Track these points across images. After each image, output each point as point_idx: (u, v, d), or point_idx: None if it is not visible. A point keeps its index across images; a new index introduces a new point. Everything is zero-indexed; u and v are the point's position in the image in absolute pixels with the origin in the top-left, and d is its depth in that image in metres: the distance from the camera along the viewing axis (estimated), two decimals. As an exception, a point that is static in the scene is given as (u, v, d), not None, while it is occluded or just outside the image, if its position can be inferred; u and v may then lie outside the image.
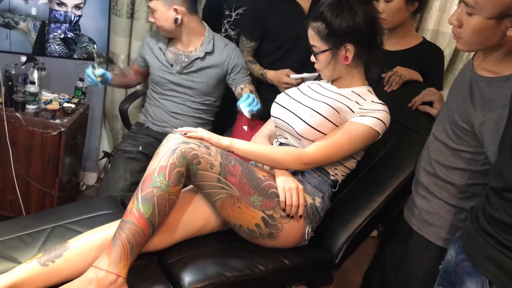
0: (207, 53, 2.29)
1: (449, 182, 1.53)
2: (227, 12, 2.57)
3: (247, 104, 2.03)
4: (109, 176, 2.25)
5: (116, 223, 1.45)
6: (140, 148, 2.31)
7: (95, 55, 2.56)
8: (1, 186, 2.54)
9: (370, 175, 1.82)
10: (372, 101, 1.65)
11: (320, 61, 1.66)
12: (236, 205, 1.52)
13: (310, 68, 2.28)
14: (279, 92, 2.27)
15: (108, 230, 1.43)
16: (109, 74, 2.37)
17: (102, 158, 3.19)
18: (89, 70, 2.29)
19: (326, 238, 1.74)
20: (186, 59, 2.31)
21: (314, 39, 1.64)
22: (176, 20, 2.21)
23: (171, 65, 2.32)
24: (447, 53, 2.93)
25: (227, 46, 2.32)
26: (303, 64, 2.32)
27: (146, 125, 2.45)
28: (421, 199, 1.62)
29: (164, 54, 2.34)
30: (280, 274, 1.59)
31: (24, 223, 1.57)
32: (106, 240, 1.39)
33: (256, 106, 2.07)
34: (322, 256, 1.70)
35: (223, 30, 2.62)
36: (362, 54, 1.63)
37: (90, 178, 3.25)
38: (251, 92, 2.30)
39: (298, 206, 1.56)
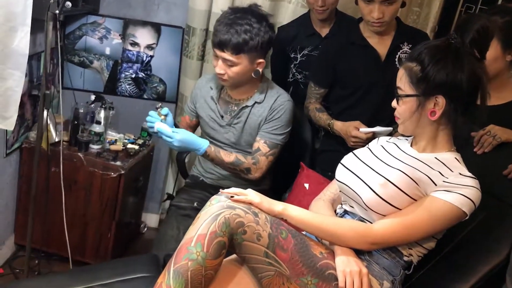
0: (256, 103, 2.03)
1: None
2: (292, 55, 2.40)
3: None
4: (161, 233, 2.05)
5: (146, 295, 1.29)
6: (195, 204, 2.10)
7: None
8: (59, 226, 2.49)
9: (451, 257, 1.51)
10: (460, 174, 1.36)
11: (402, 107, 1.42)
12: (285, 286, 1.29)
13: (383, 120, 2.04)
14: (346, 144, 2.06)
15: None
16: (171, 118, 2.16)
17: (166, 200, 3.09)
18: (152, 112, 2.03)
19: (394, 330, 1.45)
20: (235, 108, 2.07)
21: (402, 81, 1.41)
22: (256, 72, 1.97)
23: (222, 117, 2.08)
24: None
25: (279, 96, 2.04)
26: (375, 115, 2.09)
27: (200, 179, 2.22)
28: (518, 295, 1.30)
29: (216, 103, 2.09)
30: None
31: (56, 281, 1.46)
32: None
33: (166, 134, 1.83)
34: None
35: (290, 75, 2.46)
36: (454, 115, 1.37)
37: (152, 220, 3.16)
38: (258, 149, 1.99)
39: None
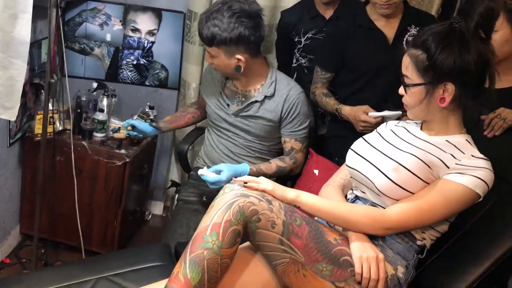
0: (266, 97, 2.01)
1: None
2: (296, 39, 2.36)
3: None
4: (170, 230, 2.00)
5: (160, 284, 1.28)
6: (204, 198, 2.08)
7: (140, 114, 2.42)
8: (66, 215, 2.49)
9: (465, 240, 1.51)
10: (472, 156, 1.35)
11: (410, 95, 1.39)
12: (300, 273, 1.29)
13: (392, 104, 2.02)
14: (353, 129, 2.05)
15: (151, 292, 1.26)
16: (145, 126, 2.26)
17: (170, 187, 3.08)
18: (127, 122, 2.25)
19: (408, 314, 1.45)
20: (243, 99, 2.05)
21: (408, 69, 1.37)
22: (238, 68, 1.94)
23: (228, 105, 2.07)
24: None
25: (291, 91, 2.02)
26: (383, 99, 2.06)
27: None
28: (533, 279, 1.30)
29: (221, 91, 2.09)
30: None
31: (68, 272, 1.45)
32: (147, 305, 1.22)
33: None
34: (403, 337, 1.42)
35: (294, 60, 2.43)
36: (464, 99, 1.35)
37: (157, 207, 3.15)
38: (292, 149, 2.02)
39: (378, 280, 1.29)
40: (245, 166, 1.93)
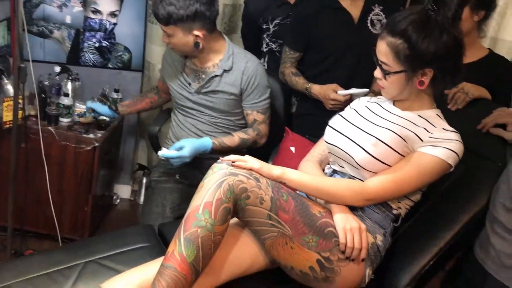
0: (225, 71, 2.02)
1: (535, 223, 1.33)
2: (264, 26, 2.41)
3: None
4: (146, 212, 2.00)
5: (153, 263, 1.31)
6: (177, 176, 2.10)
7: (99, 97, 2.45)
8: (34, 203, 2.44)
9: (436, 208, 1.61)
10: (444, 129, 1.44)
11: (390, 81, 1.45)
12: (288, 245, 1.34)
13: (359, 82, 2.10)
14: (322, 107, 2.11)
15: (145, 271, 1.29)
16: (105, 109, 2.32)
17: (137, 170, 3.07)
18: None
19: (386, 279, 1.54)
20: (203, 76, 2.05)
21: (387, 57, 1.42)
22: (196, 44, 1.95)
23: (189, 84, 2.07)
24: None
25: (248, 63, 2.03)
26: (350, 77, 2.14)
27: None
28: (499, 239, 1.42)
29: (181, 71, 2.09)
30: (335, 321, 1.41)
31: (54, 258, 1.44)
32: (143, 284, 1.24)
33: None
34: (381, 299, 1.51)
35: (264, 45, 2.46)
36: (441, 80, 1.43)
37: (125, 190, 3.13)
38: (255, 121, 2.07)
39: (361, 249, 1.37)
40: (207, 140, 1.97)
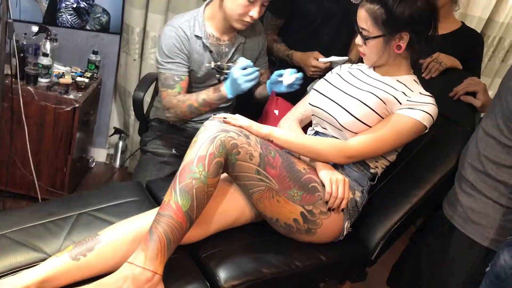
0: (246, 37, 2.01)
1: (500, 181, 1.45)
2: None
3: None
4: (140, 176, 2.02)
5: (148, 214, 1.37)
6: (173, 150, 2.11)
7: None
8: (12, 163, 2.43)
9: (409, 168, 1.73)
10: (420, 93, 1.55)
11: (370, 47, 1.54)
12: (274, 199, 1.43)
13: (337, 49, 2.17)
14: (304, 74, 2.18)
15: (140, 221, 1.35)
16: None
17: (113, 134, 3.08)
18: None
19: (362, 233, 1.66)
20: (227, 50, 1.99)
21: (366, 23, 1.51)
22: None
23: (218, 62, 1.97)
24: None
25: (258, 25, 2.08)
26: (329, 45, 2.21)
27: (170, 123, 2.10)
28: (466, 196, 1.54)
29: (207, 50, 1.94)
30: (317, 270, 1.52)
31: (47, 209, 1.47)
32: (139, 233, 1.30)
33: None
34: (358, 252, 1.63)
35: None
36: (416, 44, 1.52)
37: (100, 154, 3.15)
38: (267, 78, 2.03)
39: (343, 199, 1.47)
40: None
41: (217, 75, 1.97)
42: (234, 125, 1.41)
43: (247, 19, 1.87)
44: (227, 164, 1.39)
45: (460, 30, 2.11)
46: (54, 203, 1.56)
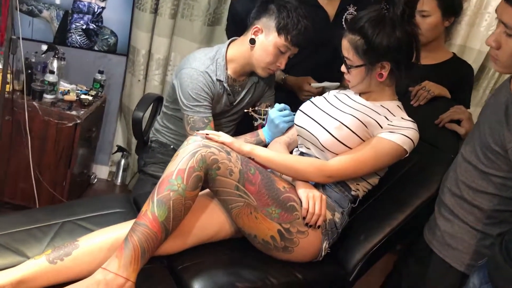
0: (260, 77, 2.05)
1: (476, 206, 1.47)
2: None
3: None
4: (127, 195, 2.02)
5: (128, 224, 1.41)
6: None
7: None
8: (14, 174, 2.51)
9: (391, 192, 1.75)
10: (402, 118, 1.59)
11: (353, 75, 1.60)
12: (252, 215, 1.47)
13: (330, 75, 2.23)
14: (296, 98, 2.24)
15: (119, 230, 1.39)
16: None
17: (116, 152, 3.16)
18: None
19: (341, 254, 1.68)
20: (240, 89, 2.04)
21: (349, 52, 1.57)
22: (252, 40, 1.90)
23: (233, 99, 2.04)
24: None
25: None
26: (322, 71, 2.27)
27: (171, 147, 2.13)
28: (444, 221, 1.56)
29: (226, 92, 1.98)
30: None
31: (34, 216, 1.53)
32: (117, 241, 1.35)
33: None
34: (336, 272, 1.64)
35: None
36: (397, 72, 1.57)
37: (102, 171, 3.22)
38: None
39: (320, 215, 1.50)
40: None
41: (254, 121, 2.03)
42: (216, 141, 1.46)
43: (273, 67, 1.93)
44: (208, 179, 1.44)
45: (451, 60, 2.15)
46: (42, 210, 1.62)
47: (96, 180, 3.14)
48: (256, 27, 1.90)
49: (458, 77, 2.12)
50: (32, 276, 1.25)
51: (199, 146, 1.41)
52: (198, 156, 1.39)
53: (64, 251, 1.30)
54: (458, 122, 1.83)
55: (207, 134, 1.46)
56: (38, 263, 1.27)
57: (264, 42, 1.88)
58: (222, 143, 1.47)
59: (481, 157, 1.46)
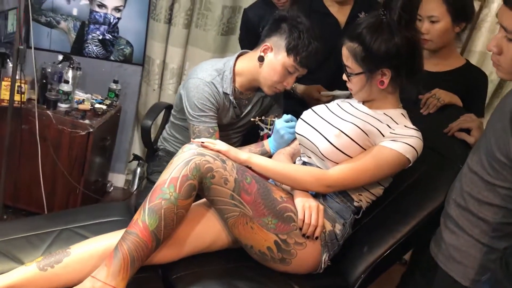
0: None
1: (481, 218, 1.40)
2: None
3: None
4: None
5: (121, 232, 1.41)
6: None
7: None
8: (29, 182, 2.56)
9: (396, 203, 1.70)
10: (405, 126, 1.53)
11: (353, 83, 1.56)
12: (248, 225, 1.44)
13: (341, 83, 2.19)
14: (305, 106, 2.20)
15: (111, 238, 1.39)
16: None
17: (132, 160, 3.17)
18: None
19: (343, 266, 1.63)
20: (246, 102, 2.04)
21: (348, 60, 1.54)
22: (261, 58, 1.90)
23: (239, 112, 2.04)
24: (495, 77, 2.76)
25: None
26: (333, 79, 2.23)
27: None
28: (449, 233, 1.49)
29: (236, 107, 2.00)
30: (290, 301, 1.50)
31: (34, 223, 1.55)
32: (108, 249, 1.34)
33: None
34: (337, 284, 1.60)
35: None
36: (399, 79, 1.53)
37: (119, 179, 3.25)
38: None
39: (316, 226, 1.46)
40: None
41: (260, 130, 2.02)
42: (211, 149, 1.45)
43: (280, 87, 1.92)
44: (203, 188, 1.42)
45: (464, 67, 2.08)
46: (44, 217, 1.64)
47: (112, 188, 3.17)
48: (266, 45, 1.89)
49: (471, 84, 2.04)
50: (21, 283, 1.26)
51: (193, 154, 1.40)
52: (192, 165, 1.38)
53: (55, 259, 1.31)
54: (468, 131, 1.76)
55: (202, 142, 1.45)
56: (29, 270, 1.28)
57: (273, 61, 1.87)
58: (218, 151, 1.46)
59: (487, 167, 1.40)
